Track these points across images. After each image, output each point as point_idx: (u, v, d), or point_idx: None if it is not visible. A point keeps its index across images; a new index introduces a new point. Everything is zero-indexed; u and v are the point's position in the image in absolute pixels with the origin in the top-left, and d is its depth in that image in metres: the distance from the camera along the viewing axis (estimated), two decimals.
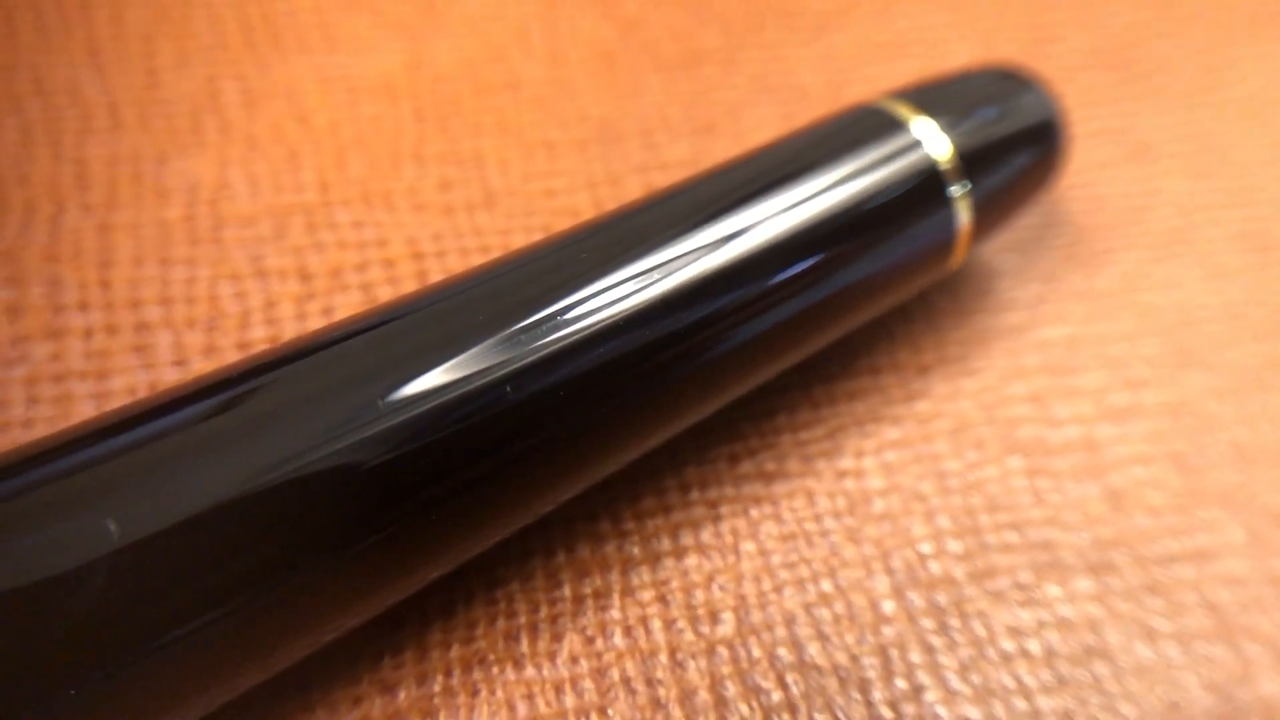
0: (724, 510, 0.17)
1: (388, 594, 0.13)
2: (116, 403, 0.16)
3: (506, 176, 0.21)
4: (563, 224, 0.20)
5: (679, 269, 0.14)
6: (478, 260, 0.19)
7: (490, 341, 0.13)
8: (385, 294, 0.18)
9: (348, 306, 0.18)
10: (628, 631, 0.15)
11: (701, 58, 0.23)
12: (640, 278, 0.14)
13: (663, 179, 0.21)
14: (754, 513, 0.17)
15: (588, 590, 0.15)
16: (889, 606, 0.16)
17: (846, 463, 0.17)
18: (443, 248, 0.19)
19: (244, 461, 0.11)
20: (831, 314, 0.16)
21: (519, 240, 0.20)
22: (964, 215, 0.16)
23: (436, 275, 0.19)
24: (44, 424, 0.16)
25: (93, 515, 0.10)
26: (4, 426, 0.16)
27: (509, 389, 0.13)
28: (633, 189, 0.21)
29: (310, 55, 0.22)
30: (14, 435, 0.16)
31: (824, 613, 0.16)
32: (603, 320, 0.13)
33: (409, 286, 0.19)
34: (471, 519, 0.13)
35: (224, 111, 0.20)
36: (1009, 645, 0.15)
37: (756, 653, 0.15)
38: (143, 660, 0.10)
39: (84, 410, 0.16)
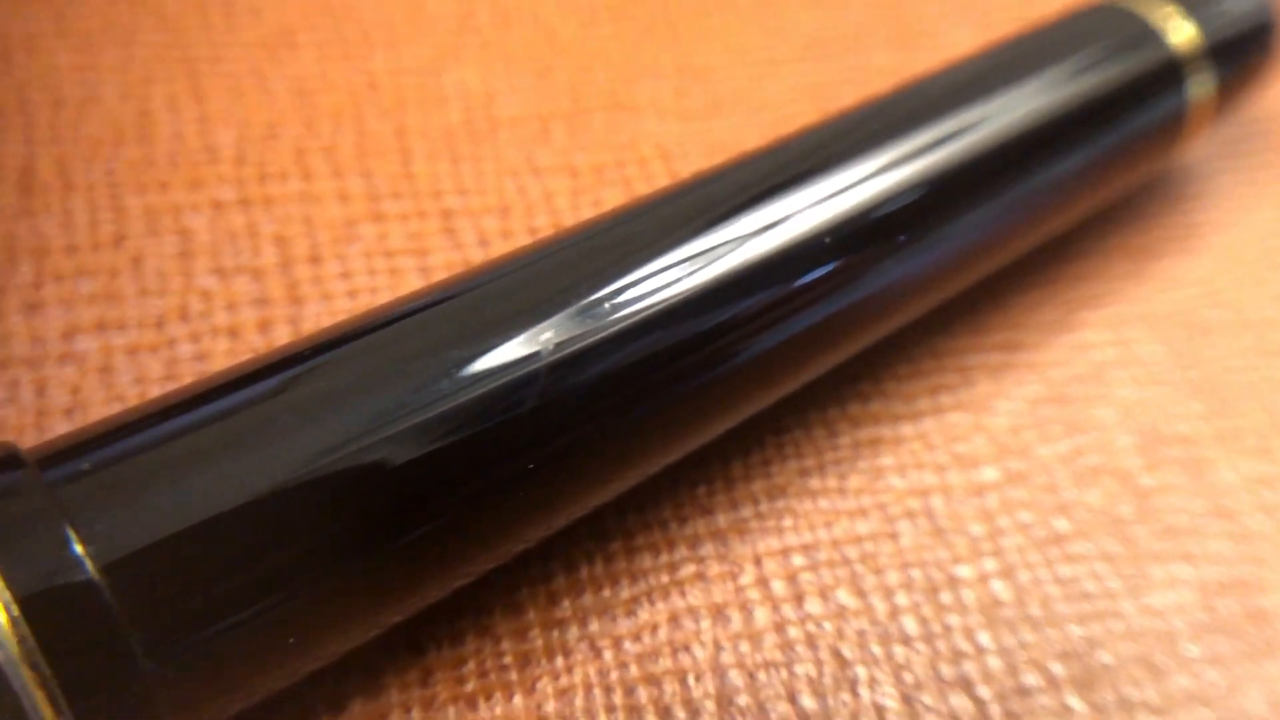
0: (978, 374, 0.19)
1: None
2: (438, 276, 0.19)
3: (733, 85, 0.23)
4: (785, 129, 0.22)
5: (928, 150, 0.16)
6: (718, 160, 0.22)
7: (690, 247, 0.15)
8: (643, 189, 0.21)
9: (613, 199, 0.21)
10: (902, 473, 0.17)
11: None
12: (895, 161, 0.16)
13: (876, 86, 0.23)
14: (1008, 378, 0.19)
15: (864, 438, 0.18)
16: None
17: None
18: (686, 150, 0.22)
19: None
20: (1061, 199, 0.18)
21: (752, 142, 0.22)
22: (1196, 103, 0.18)
23: (685, 172, 0.21)
24: (385, 291, 0.18)
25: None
26: (354, 293, 0.18)
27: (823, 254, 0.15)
28: (846, 96, 0.23)
29: None
30: (362, 300, 0.18)
31: (1083, 463, 0.18)
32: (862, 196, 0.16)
33: (662, 182, 0.21)
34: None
35: (481, 31, 0.23)
36: None
37: (1023, 494, 0.17)
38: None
39: (413, 282, 0.19)
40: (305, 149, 0.20)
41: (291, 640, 0.11)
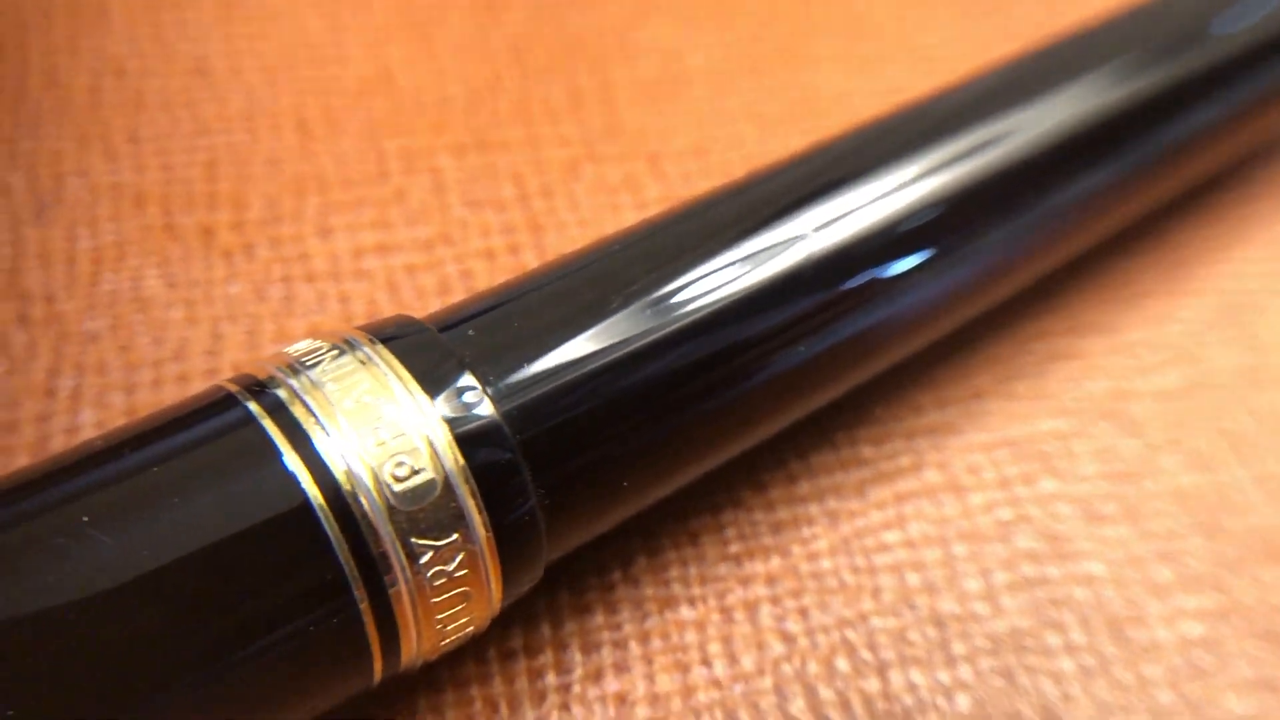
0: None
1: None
2: (652, 211, 0.21)
3: (898, 38, 0.25)
4: (945, 78, 0.24)
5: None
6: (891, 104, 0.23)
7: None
8: (822, 133, 0.23)
9: (798, 142, 0.22)
10: (1093, 379, 0.19)
11: None
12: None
13: (1028, 38, 0.24)
14: None
15: (1061, 351, 0.20)
16: None
17: None
18: (857, 97, 0.23)
19: None
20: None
21: (917, 90, 0.24)
22: None
23: (867, 114, 0.23)
24: (609, 224, 0.21)
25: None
26: (583, 224, 0.20)
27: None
28: (999, 49, 0.24)
29: None
30: (591, 230, 0.20)
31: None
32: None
33: (842, 126, 0.23)
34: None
35: None
36: None
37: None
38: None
39: (630, 216, 0.21)
40: (525, 100, 0.22)
41: (653, 470, 0.13)
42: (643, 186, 0.21)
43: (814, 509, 0.17)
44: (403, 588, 0.12)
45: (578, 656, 0.15)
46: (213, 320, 0.17)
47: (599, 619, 0.15)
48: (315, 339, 0.13)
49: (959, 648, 0.16)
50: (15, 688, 0.10)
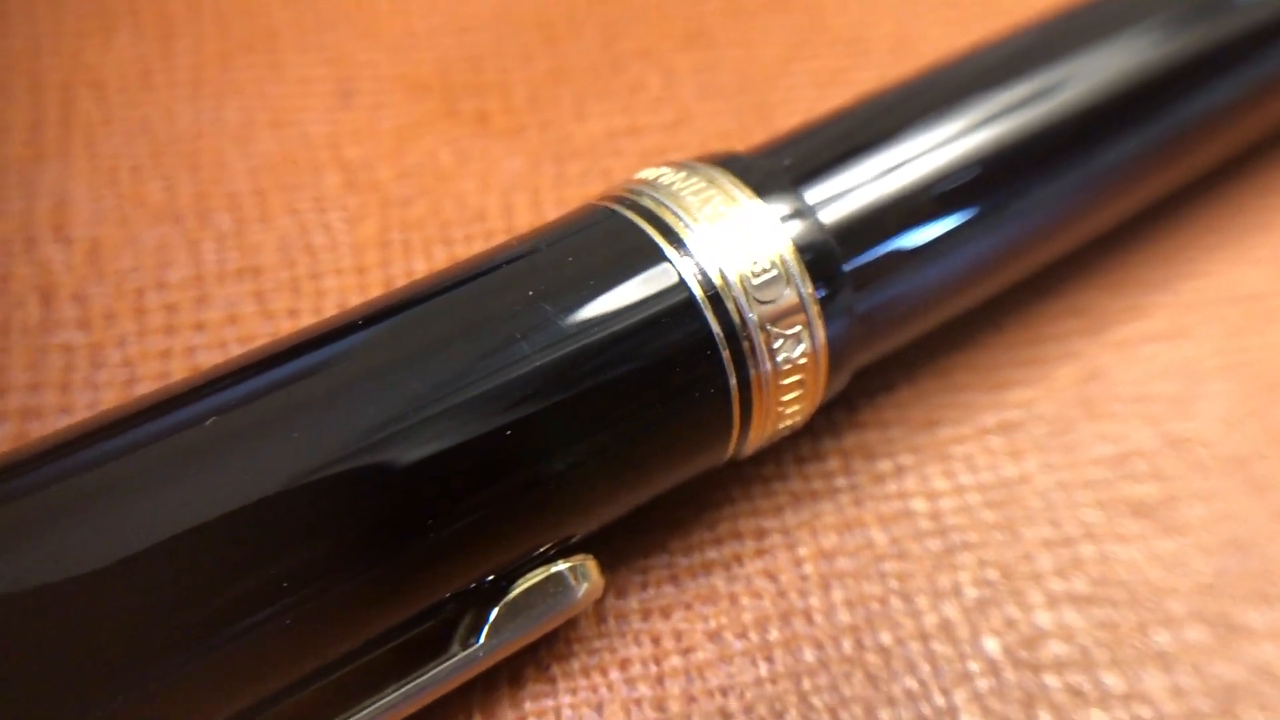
0: None
1: None
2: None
3: None
4: None
5: None
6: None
7: None
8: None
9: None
10: None
11: None
12: None
13: None
14: None
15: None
16: None
17: None
18: None
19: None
20: None
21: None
22: None
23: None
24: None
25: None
26: (789, 114, 0.22)
27: None
28: None
29: None
30: (793, 118, 0.22)
31: None
32: None
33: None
34: None
35: None
36: None
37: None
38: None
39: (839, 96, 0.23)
40: (736, 6, 0.24)
41: (953, 286, 0.15)
42: (856, 81, 0.23)
43: (1059, 349, 0.19)
44: (762, 372, 0.14)
45: (860, 464, 0.17)
46: (502, 190, 0.20)
47: (873, 434, 0.17)
48: (661, 166, 0.15)
49: None
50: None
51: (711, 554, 0.16)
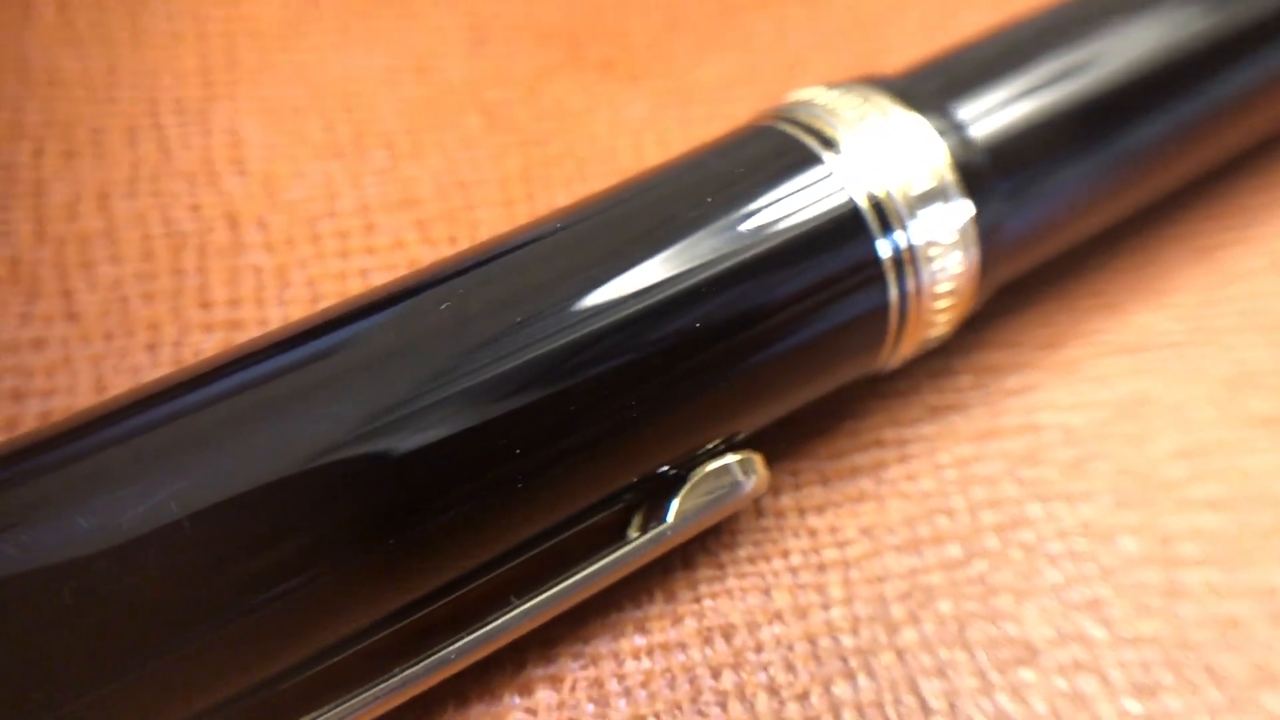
0: None
1: None
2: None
3: None
4: None
5: None
6: None
7: None
8: None
9: None
10: None
11: None
12: None
13: None
14: None
15: None
16: None
17: None
18: None
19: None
20: None
21: None
22: None
23: None
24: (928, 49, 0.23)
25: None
26: (902, 50, 0.23)
27: None
28: None
29: None
30: (909, 55, 0.23)
31: None
32: None
33: None
34: None
35: None
36: None
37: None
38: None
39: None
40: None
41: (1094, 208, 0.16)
42: (963, 17, 0.24)
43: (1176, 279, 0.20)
44: (920, 282, 0.15)
45: (990, 379, 0.18)
46: (630, 131, 0.21)
47: (1002, 353, 0.18)
48: (816, 87, 0.16)
49: None
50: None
51: (858, 459, 0.17)
